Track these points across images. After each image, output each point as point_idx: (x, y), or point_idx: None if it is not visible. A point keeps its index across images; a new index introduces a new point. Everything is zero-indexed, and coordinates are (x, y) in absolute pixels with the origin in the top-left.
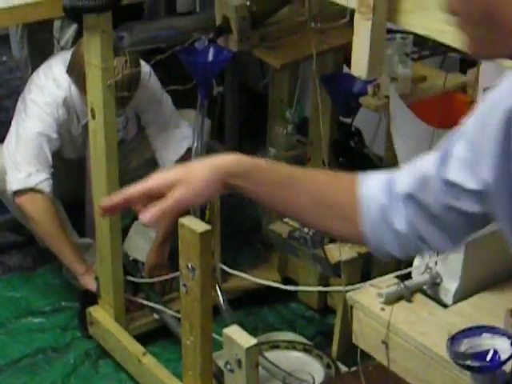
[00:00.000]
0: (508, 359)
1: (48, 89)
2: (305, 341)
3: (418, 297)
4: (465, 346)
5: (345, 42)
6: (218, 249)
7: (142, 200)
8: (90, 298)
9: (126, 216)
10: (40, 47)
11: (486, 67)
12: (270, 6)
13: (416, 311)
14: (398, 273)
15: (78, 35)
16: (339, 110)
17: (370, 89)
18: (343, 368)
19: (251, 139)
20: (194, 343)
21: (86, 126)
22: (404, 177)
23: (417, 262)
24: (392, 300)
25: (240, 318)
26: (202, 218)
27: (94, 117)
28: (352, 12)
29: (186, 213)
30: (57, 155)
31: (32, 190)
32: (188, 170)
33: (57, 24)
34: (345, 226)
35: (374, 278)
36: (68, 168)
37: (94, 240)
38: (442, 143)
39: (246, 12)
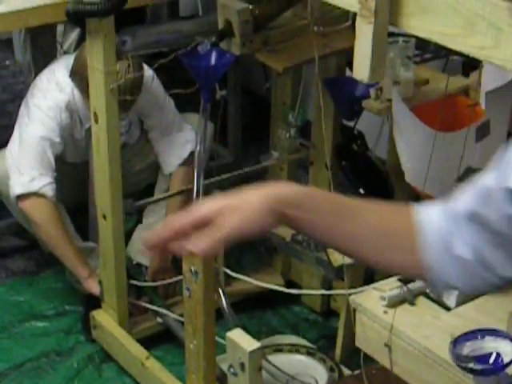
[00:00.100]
0: (511, 362)
1: (51, 93)
2: (308, 344)
3: (421, 300)
4: (467, 348)
5: (347, 45)
6: (221, 252)
7: (190, 230)
8: (94, 302)
9: (130, 219)
10: (43, 51)
11: (488, 70)
12: (273, 10)
13: (419, 314)
14: (401, 276)
15: (81, 39)
16: (342, 114)
17: (372, 92)
18: (346, 371)
19: (254, 143)
20: (197, 347)
21: (89, 130)
22: (464, 196)
23: None
24: (395, 303)
25: (243, 321)
26: None
27: (96, 121)
28: (354, 15)
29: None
30: (60, 159)
31: (35, 194)
32: (240, 197)
33: (60, 28)
34: (405, 258)
35: (377, 281)
36: (71, 172)
37: (97, 244)
38: (497, 155)
39: (249, 16)
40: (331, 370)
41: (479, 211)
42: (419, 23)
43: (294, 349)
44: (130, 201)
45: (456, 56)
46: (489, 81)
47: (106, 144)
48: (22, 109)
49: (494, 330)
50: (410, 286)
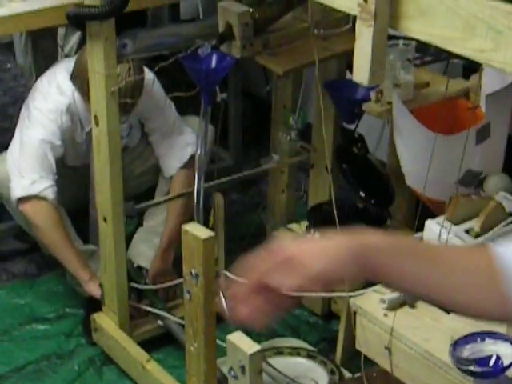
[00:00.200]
0: (511, 365)
1: (52, 96)
2: (309, 347)
3: (421, 303)
4: (467, 351)
5: (348, 48)
6: (221, 255)
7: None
8: (95, 305)
9: (130, 222)
10: (44, 55)
11: (488, 73)
12: (273, 13)
13: (419, 317)
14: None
15: (82, 43)
16: (342, 117)
17: (372, 95)
18: (347, 374)
19: (255, 145)
20: (197, 349)
21: (89, 133)
22: None
23: None
24: (395, 306)
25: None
26: (206, 224)
27: (97, 124)
28: (355, 18)
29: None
30: (61, 162)
31: (36, 197)
32: (326, 241)
33: (61, 31)
34: (495, 301)
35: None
36: (72, 175)
37: (97, 247)
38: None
39: (249, 19)
40: (332, 372)
41: None
42: (419, 26)
43: (295, 351)
44: (131, 204)
45: (457, 59)
46: (489, 84)
47: (107, 147)
48: (23, 112)
49: (494, 333)
50: None
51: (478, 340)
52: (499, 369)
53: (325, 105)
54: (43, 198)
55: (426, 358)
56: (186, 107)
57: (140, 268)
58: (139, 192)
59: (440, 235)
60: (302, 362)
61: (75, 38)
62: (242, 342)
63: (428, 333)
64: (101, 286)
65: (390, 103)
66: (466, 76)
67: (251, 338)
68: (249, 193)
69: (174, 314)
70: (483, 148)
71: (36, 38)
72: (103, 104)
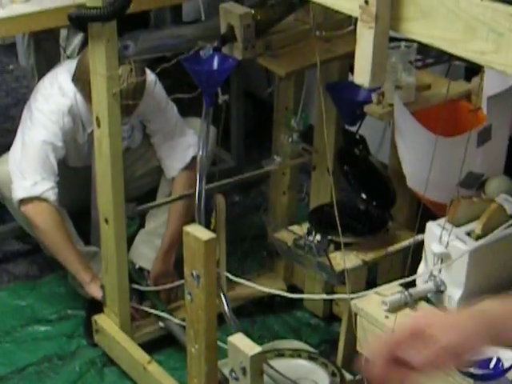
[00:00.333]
0: (511, 367)
1: (53, 97)
2: (310, 349)
3: (422, 304)
4: None
5: (350, 50)
6: (223, 256)
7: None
8: (96, 306)
9: (132, 224)
10: (46, 56)
11: (489, 75)
12: (275, 15)
13: None
14: (403, 281)
15: (85, 44)
16: (344, 119)
17: (374, 97)
18: (348, 376)
19: (256, 147)
20: (198, 351)
21: (91, 135)
22: None
23: (421, 269)
24: (396, 308)
25: (245, 326)
26: (208, 225)
27: (99, 125)
28: (356, 20)
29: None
30: (62, 163)
31: (37, 198)
32: (456, 314)
33: (63, 33)
34: None
35: (380, 285)
36: (74, 176)
37: (99, 248)
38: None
39: (251, 20)
40: (333, 374)
41: None
42: (420, 28)
43: (296, 353)
44: (133, 205)
45: (458, 61)
46: (490, 86)
47: (108, 148)
48: (25, 113)
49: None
50: (412, 290)
51: None
52: (500, 371)
53: (326, 107)
54: (45, 200)
55: None
56: (187, 109)
57: (141, 269)
58: (141, 193)
59: (441, 237)
60: (303, 363)
61: (77, 39)
62: (243, 344)
63: None
64: (102, 287)
65: (391, 105)
66: (468, 78)
67: (252, 339)
68: (250, 194)
69: (176, 315)
70: (484, 150)
71: (38, 39)
72: (105, 105)
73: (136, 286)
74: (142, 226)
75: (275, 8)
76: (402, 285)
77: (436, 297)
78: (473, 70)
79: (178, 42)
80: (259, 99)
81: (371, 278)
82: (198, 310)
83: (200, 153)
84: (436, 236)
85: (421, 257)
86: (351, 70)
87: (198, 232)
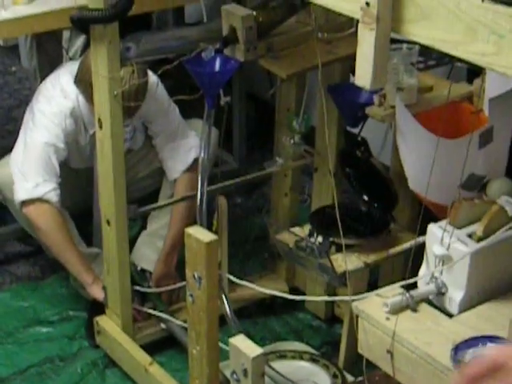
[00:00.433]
0: None
1: (55, 99)
2: (311, 350)
3: (424, 306)
4: (469, 355)
5: (351, 52)
6: (225, 258)
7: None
8: (98, 308)
9: (134, 225)
10: (49, 58)
11: (491, 77)
12: (277, 17)
13: (421, 321)
14: (404, 282)
15: (87, 46)
16: (346, 120)
17: (376, 99)
18: (350, 378)
19: (258, 149)
20: (200, 353)
21: (93, 137)
22: None
23: (422, 271)
24: (397, 310)
25: (247, 327)
26: (209, 227)
27: (101, 127)
28: (358, 22)
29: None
30: (64, 165)
31: (39, 199)
32: None
33: (66, 35)
34: None
35: (381, 287)
36: (76, 178)
37: (101, 249)
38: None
39: (253, 22)
40: (334, 376)
41: None
42: (421, 30)
43: (298, 355)
44: (134, 206)
45: (460, 63)
46: (492, 87)
47: (110, 150)
48: (27, 114)
49: (496, 337)
50: (413, 292)
51: (480, 344)
52: None
53: (328, 108)
54: (46, 201)
55: (427, 361)
56: (189, 110)
57: (143, 271)
58: (143, 195)
59: (442, 239)
60: (304, 365)
61: (80, 41)
62: (244, 346)
63: (430, 337)
64: (104, 288)
65: (393, 107)
66: (470, 80)
67: (254, 341)
68: (252, 196)
69: (177, 317)
70: (486, 152)
71: (41, 41)
72: (107, 107)
73: (138, 288)
74: (143, 227)
75: (277, 10)
76: (403, 287)
77: (437, 299)
78: (475, 71)
79: (180, 44)
80: (261, 101)
81: (373, 280)
82: (200, 312)
83: (202, 154)
84: (437, 238)
85: (422, 259)
86: (353, 71)
87: (199, 234)
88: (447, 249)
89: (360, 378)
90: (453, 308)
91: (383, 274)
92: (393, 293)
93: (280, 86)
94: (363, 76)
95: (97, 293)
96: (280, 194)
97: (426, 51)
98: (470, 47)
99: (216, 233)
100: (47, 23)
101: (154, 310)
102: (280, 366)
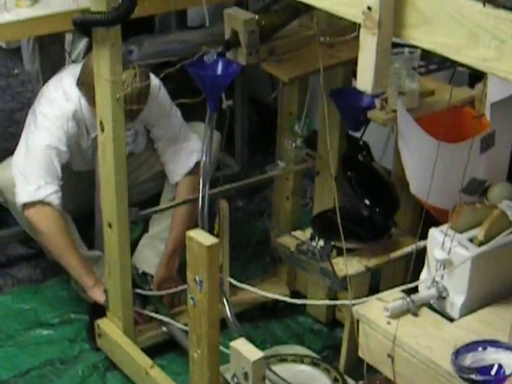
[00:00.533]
0: None
1: (57, 102)
2: (312, 354)
3: (425, 311)
4: (469, 360)
5: (354, 56)
6: (226, 262)
7: None
8: (99, 311)
9: (135, 228)
10: (51, 60)
11: (493, 81)
12: (279, 20)
13: (422, 325)
14: (405, 287)
15: (90, 49)
16: (348, 124)
17: (377, 103)
18: (350, 382)
19: (260, 152)
20: (201, 356)
21: (95, 139)
22: None
23: (423, 275)
24: (398, 314)
25: (248, 331)
26: (211, 230)
27: (103, 130)
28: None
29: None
30: (66, 168)
31: (41, 202)
32: None
33: (68, 38)
34: None
35: (382, 291)
36: (77, 181)
37: (102, 252)
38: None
39: (255, 26)
40: (335, 380)
41: None
42: (422, 34)
43: (299, 359)
44: (136, 209)
45: (462, 67)
46: (494, 92)
47: (112, 153)
48: (29, 117)
49: (496, 342)
50: (414, 296)
51: (480, 349)
52: (501, 377)
53: (330, 112)
54: (48, 204)
55: (428, 366)
56: (191, 114)
57: (145, 274)
58: (145, 198)
59: (443, 243)
60: (305, 369)
61: (82, 44)
62: (245, 349)
63: (431, 341)
64: (105, 291)
65: (394, 111)
66: (472, 84)
67: (255, 345)
68: (254, 200)
69: (179, 320)
70: (488, 156)
71: (44, 43)
72: (109, 110)
73: (139, 291)
74: (145, 230)
75: (279, 14)
76: (404, 291)
77: (438, 303)
78: (477, 76)
79: (183, 47)
80: (263, 104)
81: (374, 284)
82: (201, 315)
83: (203, 158)
84: (438, 242)
85: (423, 263)
86: (355, 75)
87: (201, 237)
88: (448, 253)
89: (361, 382)
90: (454, 312)
91: (384, 278)
92: (394, 297)
93: (282, 90)
94: (365, 80)
95: (98, 296)
96: (282, 197)
97: (427, 55)
98: (471, 52)
99: (217, 236)
100: (50, 26)
101: (155, 313)
102: (281, 369)
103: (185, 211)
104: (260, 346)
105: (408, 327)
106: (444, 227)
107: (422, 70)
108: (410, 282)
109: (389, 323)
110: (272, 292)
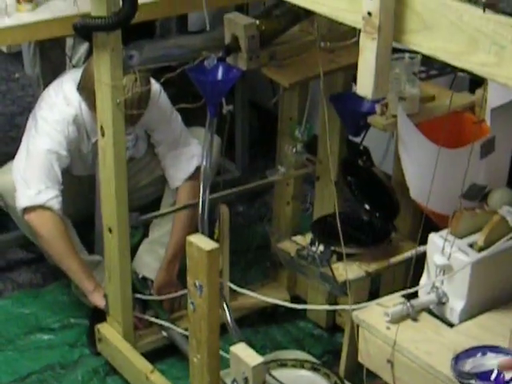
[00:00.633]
0: None
1: (58, 106)
2: (313, 359)
3: (424, 316)
4: (469, 365)
5: (354, 61)
6: (226, 266)
7: None
8: (99, 315)
9: (136, 233)
10: (52, 65)
11: (493, 87)
12: (280, 26)
13: (422, 330)
14: (405, 292)
15: (90, 53)
16: (348, 129)
17: (378, 108)
18: None
19: (261, 157)
20: (201, 361)
21: (95, 144)
22: None
23: (423, 281)
24: (398, 319)
25: (248, 336)
26: (211, 235)
27: (103, 135)
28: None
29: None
30: (67, 172)
31: (41, 207)
32: None
33: (69, 42)
34: None
35: (382, 296)
36: (78, 185)
37: (103, 257)
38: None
39: (255, 31)
40: None
41: None
42: (423, 40)
43: (299, 364)
44: (136, 214)
45: (462, 73)
46: (494, 98)
47: (112, 158)
48: (30, 121)
49: (496, 347)
50: (414, 301)
51: (480, 354)
52: (500, 383)
53: (330, 117)
54: (48, 208)
55: (427, 371)
56: (192, 118)
57: (145, 279)
58: (145, 203)
59: (443, 249)
60: (305, 374)
61: (83, 48)
62: (245, 354)
63: (430, 346)
64: (105, 296)
65: (395, 116)
66: (473, 90)
67: (255, 349)
68: (254, 205)
69: (179, 325)
70: (488, 162)
71: (44, 48)
72: (109, 115)
73: (139, 296)
74: (145, 235)
75: (280, 19)
76: (404, 296)
77: (438, 308)
78: (477, 81)
79: (183, 52)
80: (264, 109)
81: (374, 289)
82: (201, 320)
83: (204, 163)
84: (438, 247)
85: (423, 268)
86: (355, 80)
87: (201, 242)
88: (448, 258)
89: None
90: (453, 318)
91: (384, 283)
92: (393, 302)
93: (282, 95)
94: (365, 85)
95: (98, 300)
96: (282, 202)
97: (428, 61)
98: (471, 57)
99: (217, 241)
100: (51, 30)
101: (156, 317)
102: (281, 374)
103: (185, 216)
104: (260, 350)
105: (408, 332)
106: (444, 232)
107: (423, 76)
108: (409, 287)
109: (388, 328)
110: (272, 297)
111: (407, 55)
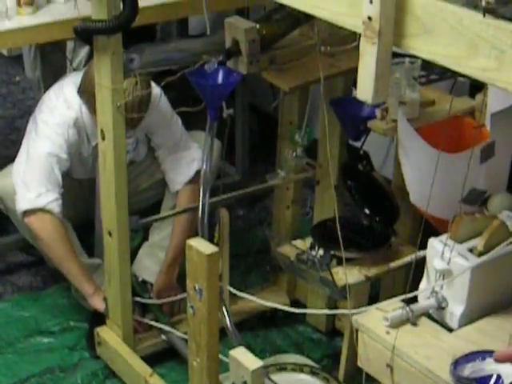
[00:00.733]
0: None
1: (58, 109)
2: (312, 363)
3: (424, 320)
4: (468, 370)
5: (354, 65)
6: (226, 271)
7: None
8: (99, 319)
9: (135, 237)
10: (53, 68)
11: (493, 92)
12: (280, 30)
13: (421, 335)
14: (404, 296)
15: (91, 56)
16: (348, 134)
17: (378, 112)
18: None
19: (261, 161)
20: (200, 364)
21: (96, 147)
22: None
23: (423, 285)
24: (397, 323)
25: (248, 340)
26: (211, 239)
27: (103, 138)
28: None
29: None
30: (67, 176)
31: (41, 210)
32: None
33: (70, 45)
34: None
35: (382, 301)
36: (78, 188)
37: (102, 260)
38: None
39: (256, 35)
40: None
41: None
42: (422, 44)
43: (298, 368)
44: (136, 218)
45: (463, 77)
46: (494, 102)
47: (113, 161)
48: (30, 124)
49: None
50: (413, 306)
51: (479, 359)
52: None
53: (330, 122)
54: (49, 212)
55: (427, 376)
56: (192, 122)
57: (144, 282)
58: (145, 206)
59: (443, 253)
60: (304, 378)
61: (84, 51)
62: (244, 358)
63: (430, 351)
64: (105, 299)
65: (395, 121)
66: (473, 95)
67: (254, 353)
68: (254, 209)
69: (178, 328)
70: (488, 167)
71: (45, 51)
72: (109, 118)
73: (139, 299)
74: (145, 238)
75: (280, 23)
76: (403, 301)
77: (437, 313)
78: (477, 86)
79: (184, 56)
80: (264, 113)
81: (374, 294)
82: (200, 324)
83: (204, 166)
84: (438, 252)
85: (423, 273)
86: (355, 85)
87: (200, 246)
88: (448, 263)
89: None
90: (453, 322)
91: (384, 288)
92: (393, 307)
93: (283, 99)
94: (365, 90)
95: (98, 304)
96: (282, 206)
97: (428, 65)
98: (471, 62)
99: (217, 245)
100: (51, 34)
101: (155, 321)
102: (280, 378)
103: (185, 220)
104: (259, 354)
105: (407, 337)
106: (444, 237)
107: (423, 80)
108: (409, 292)
109: (388, 333)
110: (272, 301)
111: (407, 60)
